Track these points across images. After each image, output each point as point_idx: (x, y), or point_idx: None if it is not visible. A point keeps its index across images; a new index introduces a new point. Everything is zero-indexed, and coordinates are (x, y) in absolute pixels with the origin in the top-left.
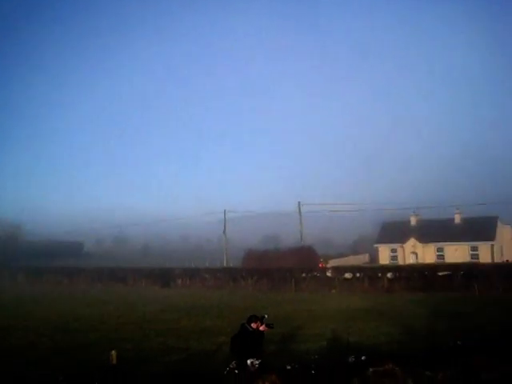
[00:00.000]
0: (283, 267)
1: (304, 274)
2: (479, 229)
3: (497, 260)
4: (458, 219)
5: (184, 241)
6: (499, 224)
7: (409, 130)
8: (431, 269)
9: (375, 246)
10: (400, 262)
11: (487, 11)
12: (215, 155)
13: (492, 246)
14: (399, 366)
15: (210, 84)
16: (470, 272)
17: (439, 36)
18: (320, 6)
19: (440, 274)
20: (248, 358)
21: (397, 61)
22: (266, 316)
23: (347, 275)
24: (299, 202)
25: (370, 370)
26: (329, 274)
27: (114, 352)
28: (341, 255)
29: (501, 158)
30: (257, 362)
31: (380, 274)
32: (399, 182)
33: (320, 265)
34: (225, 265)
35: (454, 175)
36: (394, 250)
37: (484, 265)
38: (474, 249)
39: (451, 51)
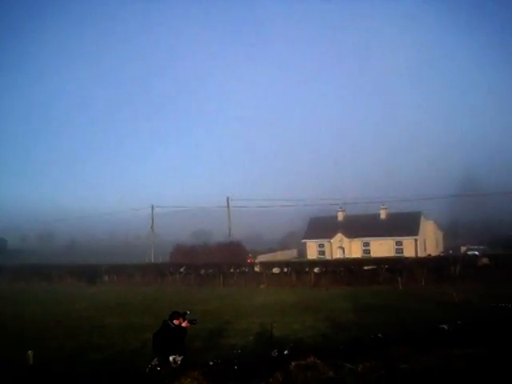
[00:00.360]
0: (211, 262)
1: (232, 270)
2: (403, 224)
3: (420, 254)
4: (383, 215)
5: (111, 237)
6: (422, 219)
7: (337, 130)
8: (357, 263)
9: (303, 241)
10: (327, 256)
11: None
12: (144, 150)
13: (416, 240)
14: (321, 359)
15: (140, 84)
16: (394, 266)
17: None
18: None
19: (365, 268)
20: (170, 355)
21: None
22: (189, 312)
23: (275, 270)
24: (228, 198)
25: (293, 363)
26: (257, 269)
27: (30, 352)
28: (270, 250)
29: (424, 157)
30: (179, 359)
31: (307, 269)
32: (327, 179)
33: (248, 260)
34: (152, 260)
35: (380, 172)
36: (321, 245)
37: (408, 259)
38: (399, 243)
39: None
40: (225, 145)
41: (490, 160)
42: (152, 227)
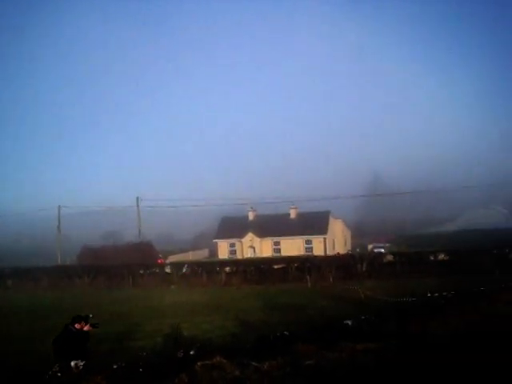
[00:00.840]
0: (120, 264)
1: (142, 271)
2: (313, 223)
3: (329, 253)
4: (293, 214)
5: (16, 238)
6: (331, 218)
7: (248, 129)
8: (267, 262)
9: (214, 241)
10: (239, 256)
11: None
12: (48, 151)
13: (324, 239)
14: (228, 358)
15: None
16: (303, 265)
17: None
18: None
19: (275, 267)
20: (72, 360)
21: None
22: (91, 316)
23: (186, 270)
24: (138, 198)
25: (199, 363)
26: (167, 269)
27: None
28: (181, 251)
29: (333, 157)
30: (81, 364)
31: (218, 269)
32: (239, 179)
33: (159, 260)
34: (59, 263)
35: (290, 172)
36: (232, 245)
37: (317, 257)
38: (308, 242)
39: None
40: (135, 143)
41: (396, 161)
42: (59, 227)
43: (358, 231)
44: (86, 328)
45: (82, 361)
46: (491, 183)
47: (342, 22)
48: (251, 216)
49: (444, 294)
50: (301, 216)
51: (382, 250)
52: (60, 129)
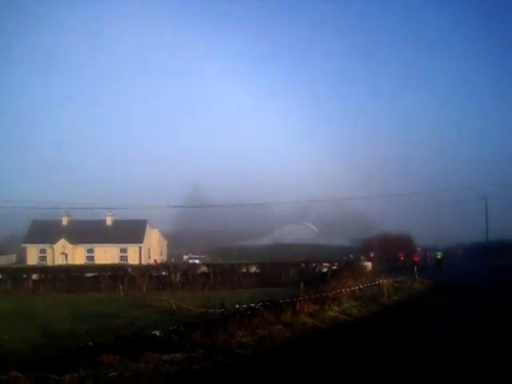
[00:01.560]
0: None
1: None
2: (129, 231)
3: (145, 262)
4: (109, 221)
5: None
6: (148, 227)
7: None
8: (79, 270)
9: (23, 245)
10: (49, 262)
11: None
12: None
13: (140, 248)
14: (25, 372)
15: None
16: (116, 273)
17: None
18: None
19: (88, 275)
20: None
21: None
22: None
23: None
24: None
25: None
26: None
27: None
28: None
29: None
30: None
31: (25, 275)
32: (51, 181)
33: None
34: None
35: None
36: (43, 251)
37: (130, 266)
38: (124, 251)
39: None
40: None
41: (215, 173)
42: None
43: (175, 242)
44: None
45: None
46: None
47: None
48: (65, 221)
49: (252, 304)
50: (117, 224)
51: (197, 261)
52: None
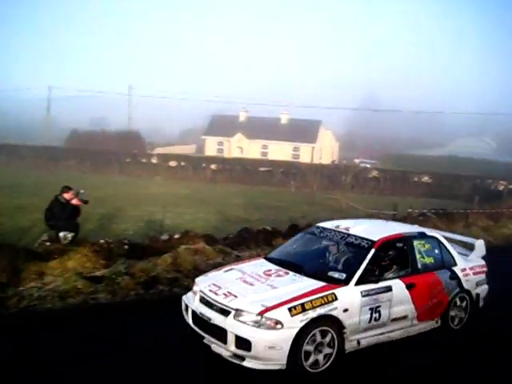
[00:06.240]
0: (108, 150)
1: (129, 159)
2: (302, 131)
3: (316, 161)
4: (284, 120)
5: (3, 116)
6: (321, 129)
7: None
8: (253, 163)
9: (202, 137)
10: (226, 155)
11: None
12: (40, 27)
13: (313, 148)
14: (210, 245)
15: None
16: (289, 170)
17: None
18: None
19: (261, 169)
20: (61, 231)
21: None
22: (82, 191)
23: (172, 163)
24: (130, 85)
25: (182, 247)
26: (154, 160)
27: None
28: (168, 144)
29: (328, 70)
30: (69, 236)
31: (204, 165)
32: (230, 76)
33: (149, 151)
34: (46, 144)
35: (287, 77)
36: (220, 143)
37: (303, 164)
38: (296, 149)
39: None
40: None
41: (394, 81)
42: (48, 108)
43: (346, 144)
44: (74, 201)
45: (70, 233)
46: (481, 113)
47: None
48: (242, 117)
49: (424, 210)
50: (292, 122)
51: (368, 166)
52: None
